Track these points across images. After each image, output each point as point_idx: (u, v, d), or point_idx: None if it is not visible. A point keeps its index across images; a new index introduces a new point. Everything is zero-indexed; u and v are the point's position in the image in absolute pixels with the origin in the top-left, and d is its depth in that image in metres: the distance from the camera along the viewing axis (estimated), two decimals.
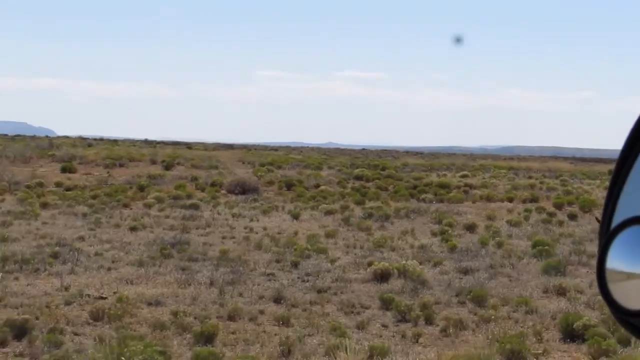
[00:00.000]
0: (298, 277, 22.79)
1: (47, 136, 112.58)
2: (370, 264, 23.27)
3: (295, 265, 24.19)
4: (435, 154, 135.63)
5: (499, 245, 28.25)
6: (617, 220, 2.00)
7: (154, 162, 59.32)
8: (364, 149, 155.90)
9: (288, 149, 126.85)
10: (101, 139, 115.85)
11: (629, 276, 1.87)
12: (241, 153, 77.13)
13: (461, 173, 58.60)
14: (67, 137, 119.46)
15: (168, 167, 55.99)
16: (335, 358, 14.79)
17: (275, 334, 16.79)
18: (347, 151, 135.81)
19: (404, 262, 23.24)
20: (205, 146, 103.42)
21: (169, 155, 64.84)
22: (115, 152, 65.96)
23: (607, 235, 1.95)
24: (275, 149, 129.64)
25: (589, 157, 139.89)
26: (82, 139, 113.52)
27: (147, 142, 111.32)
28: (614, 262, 1.91)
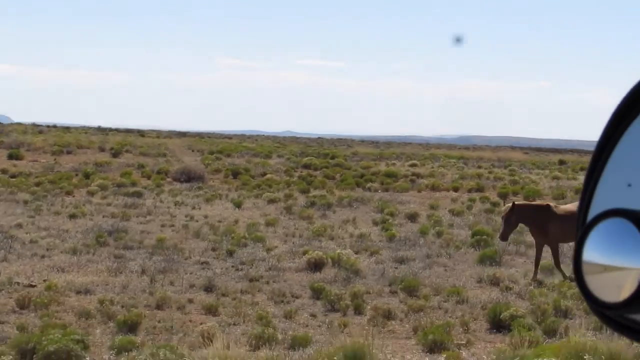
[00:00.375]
0: (232, 266, 22.63)
1: None
2: (305, 253, 23.15)
3: (230, 253, 24.04)
4: (390, 143, 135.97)
5: (439, 234, 28.24)
6: (593, 212, 2.00)
7: (102, 150, 58.90)
8: (319, 137, 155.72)
9: (242, 137, 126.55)
10: (54, 126, 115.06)
11: (605, 269, 1.86)
12: (191, 141, 76.57)
13: (410, 162, 58.61)
14: (19, 123, 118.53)
15: (116, 155, 55.60)
16: (258, 347, 14.70)
17: (201, 323, 16.62)
18: (303, 140, 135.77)
19: (338, 251, 23.12)
20: (157, 134, 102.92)
21: (119, 143, 64.38)
22: (64, 140, 65.35)
23: (583, 228, 1.94)
24: (229, 137, 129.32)
25: (544, 147, 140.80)
26: (35, 125, 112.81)
27: (99, 129, 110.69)
28: (590, 254, 1.90)
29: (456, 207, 34.71)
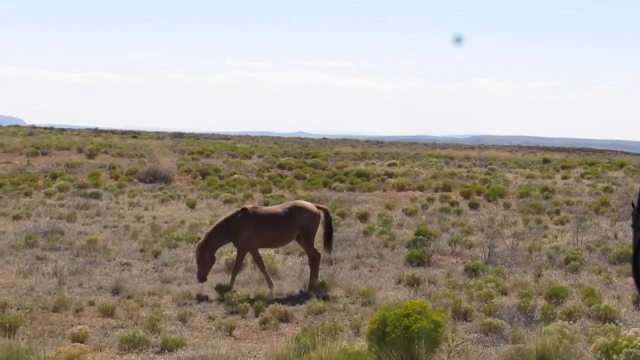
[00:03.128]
0: (153, 267, 22.28)
1: None
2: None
3: (156, 255, 23.67)
4: (395, 143, 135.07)
5: (382, 234, 27.80)
6: None
7: (80, 151, 58.51)
8: (324, 138, 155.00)
9: (244, 139, 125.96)
10: (51, 128, 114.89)
11: None
12: (178, 142, 76.22)
13: (389, 162, 58.05)
14: (17, 126, 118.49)
15: (91, 156, 55.23)
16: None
17: (91, 326, 16.27)
18: (307, 140, 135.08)
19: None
20: (151, 135, 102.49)
21: (98, 144, 64.08)
22: (45, 141, 65.07)
23: None
24: (228, 137, 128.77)
25: (552, 147, 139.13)
26: (34, 127, 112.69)
27: (95, 131, 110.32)
28: None
29: (411, 207, 34.23)
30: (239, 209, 20.64)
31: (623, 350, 10.20)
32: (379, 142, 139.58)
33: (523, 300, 17.10)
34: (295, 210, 20.13)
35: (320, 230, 21.01)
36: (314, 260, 20.11)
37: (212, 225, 20.77)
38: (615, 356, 10.18)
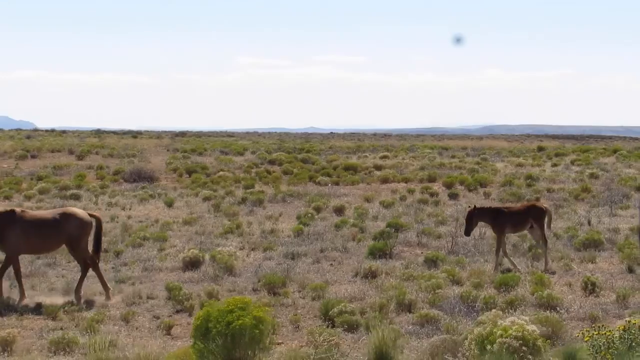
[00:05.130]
0: (113, 267, 22.08)
1: None
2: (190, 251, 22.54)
3: (118, 254, 23.50)
4: (403, 136, 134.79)
5: (353, 227, 27.57)
6: None
7: (71, 153, 58.46)
8: (331, 132, 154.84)
9: (244, 135, 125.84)
10: (52, 130, 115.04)
11: None
12: (169, 141, 76.11)
13: (381, 154, 57.85)
14: (18, 130, 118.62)
15: (81, 157, 55.17)
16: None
17: (31, 329, 16.14)
18: (315, 135, 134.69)
19: (219, 249, 22.57)
20: (150, 135, 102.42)
21: (91, 145, 64.08)
22: (38, 144, 65.05)
23: None
24: (232, 135, 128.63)
25: (561, 135, 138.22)
26: (34, 130, 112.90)
27: (97, 132, 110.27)
28: None
29: (389, 199, 33.98)
30: (8, 209, 19.42)
31: (497, 341, 9.94)
32: (386, 135, 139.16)
33: (465, 291, 16.85)
34: (64, 217, 19.06)
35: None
36: (85, 269, 18.96)
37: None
38: (489, 347, 9.92)
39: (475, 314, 15.56)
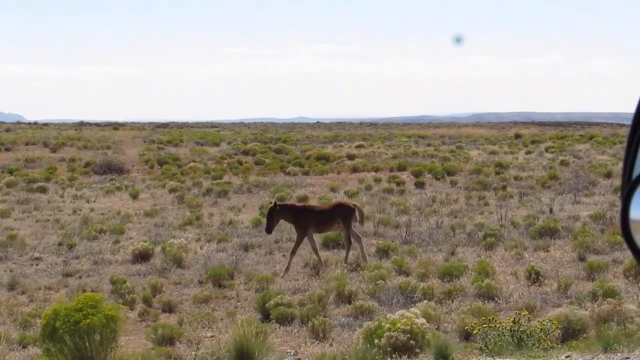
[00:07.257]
0: (64, 261, 21.90)
1: None
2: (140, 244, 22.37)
3: (71, 247, 23.32)
4: (389, 124, 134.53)
5: None
6: (637, 171, 2.12)
7: (46, 145, 58.22)
8: (317, 122, 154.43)
9: (228, 126, 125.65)
10: (35, 123, 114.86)
11: None
12: (146, 132, 75.91)
13: (357, 144, 57.72)
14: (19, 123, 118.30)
15: (55, 150, 54.93)
16: None
17: None
18: (301, 125, 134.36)
19: (170, 241, 22.41)
20: (134, 126, 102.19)
21: (65, 137, 63.86)
22: (12, 137, 64.82)
23: (628, 187, 2.07)
24: (215, 125, 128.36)
25: (548, 122, 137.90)
26: (16, 123, 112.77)
27: (80, 125, 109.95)
28: (636, 212, 2.04)
29: (354, 189, 33.84)
30: None
31: (385, 334, 9.79)
32: (372, 124, 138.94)
33: (404, 282, 16.70)
34: None
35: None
36: None
37: None
38: (377, 340, 9.77)
39: (412, 305, 15.41)
